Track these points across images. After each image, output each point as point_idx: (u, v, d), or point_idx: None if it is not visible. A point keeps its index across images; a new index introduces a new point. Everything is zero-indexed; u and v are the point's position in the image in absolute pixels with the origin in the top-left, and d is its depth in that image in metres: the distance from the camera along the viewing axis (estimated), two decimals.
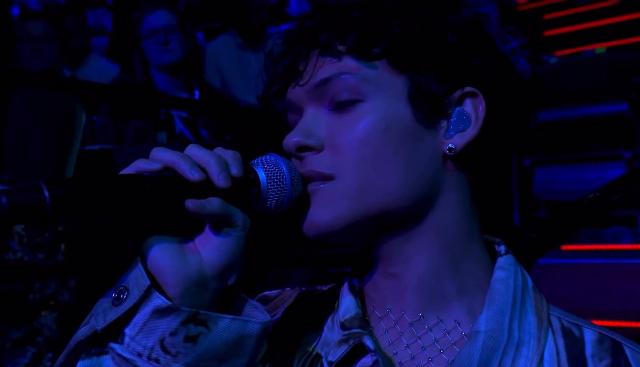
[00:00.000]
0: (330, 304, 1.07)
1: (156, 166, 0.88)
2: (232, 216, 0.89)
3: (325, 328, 1.04)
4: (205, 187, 0.89)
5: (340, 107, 0.98)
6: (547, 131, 5.66)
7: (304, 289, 1.13)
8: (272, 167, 0.96)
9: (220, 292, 0.92)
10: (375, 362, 0.95)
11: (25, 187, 0.77)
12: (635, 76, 5.43)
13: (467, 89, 0.99)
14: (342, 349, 0.98)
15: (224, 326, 0.87)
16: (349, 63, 0.97)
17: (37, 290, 2.45)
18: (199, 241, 0.90)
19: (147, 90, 3.66)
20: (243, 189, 0.93)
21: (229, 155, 0.91)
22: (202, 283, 0.88)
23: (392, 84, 0.97)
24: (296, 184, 0.97)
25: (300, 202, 0.98)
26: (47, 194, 0.77)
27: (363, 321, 1.01)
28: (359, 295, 1.05)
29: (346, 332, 0.99)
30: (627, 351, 0.95)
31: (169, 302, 0.85)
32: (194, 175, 0.87)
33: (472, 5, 1.04)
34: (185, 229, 0.91)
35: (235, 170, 0.90)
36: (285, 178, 0.96)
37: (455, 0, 1.02)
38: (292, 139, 0.99)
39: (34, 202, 0.77)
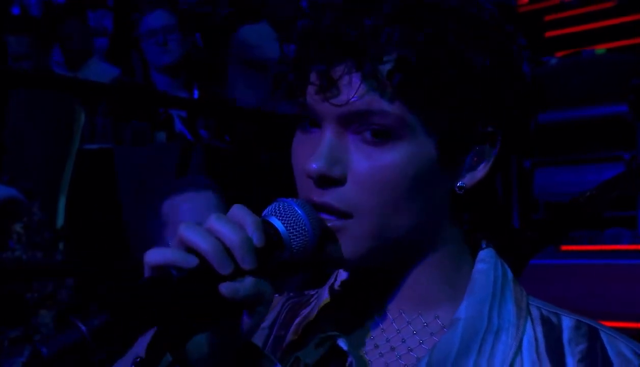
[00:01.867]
0: (310, 310, 1.07)
1: (176, 256, 0.86)
2: (262, 292, 0.88)
3: (304, 332, 1.05)
4: (236, 273, 0.87)
5: (371, 140, 0.94)
6: (547, 133, 5.65)
7: (291, 294, 1.14)
8: (289, 216, 0.93)
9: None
10: (351, 363, 0.96)
11: (60, 330, 0.77)
12: (635, 78, 5.43)
13: (489, 129, 0.97)
14: (319, 352, 0.99)
15: None
16: (393, 101, 0.92)
17: (36, 289, 2.45)
18: (228, 327, 0.90)
19: (146, 90, 3.68)
20: (268, 254, 0.90)
21: (251, 222, 0.89)
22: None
23: (426, 128, 0.94)
24: (316, 226, 0.94)
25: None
26: (84, 328, 0.77)
27: (340, 323, 1.02)
28: (339, 298, 1.05)
29: (322, 335, 1.00)
30: (603, 336, 0.96)
31: None
32: (226, 270, 0.85)
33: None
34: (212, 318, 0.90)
35: (259, 241, 0.88)
36: (305, 224, 0.93)
37: (504, 46, 0.98)
38: (313, 166, 0.94)
39: (74, 343, 0.77)
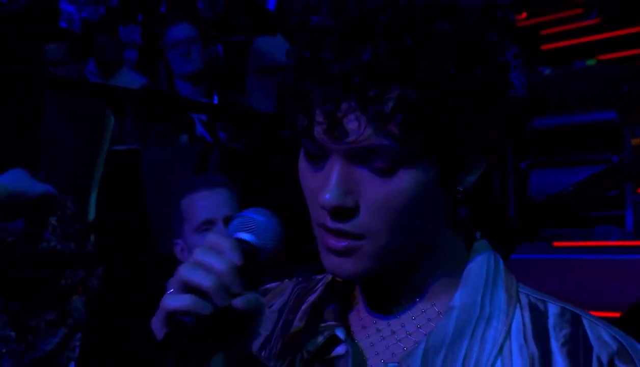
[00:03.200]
0: (316, 296, 1.07)
1: (205, 308, 0.87)
2: (256, 306, 0.90)
3: (309, 319, 1.05)
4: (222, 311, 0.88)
5: (380, 170, 0.91)
6: (542, 137, 5.65)
7: (300, 279, 1.13)
8: (252, 225, 0.94)
9: None
10: (347, 351, 0.97)
11: None
12: (623, 86, 5.42)
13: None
14: (319, 340, 0.99)
15: None
16: (398, 138, 0.88)
17: (68, 276, 2.40)
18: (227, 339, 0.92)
19: (170, 96, 3.67)
20: (248, 264, 0.91)
21: (227, 248, 0.89)
22: None
23: (429, 155, 0.91)
24: (276, 223, 0.95)
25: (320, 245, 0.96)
26: None
27: (340, 313, 1.02)
28: (340, 290, 1.05)
29: (323, 324, 1.00)
30: (585, 322, 0.96)
31: None
32: (225, 303, 0.87)
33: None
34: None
35: (235, 287, 0.88)
36: (268, 224, 0.94)
37: (498, 69, 0.94)
38: (328, 198, 0.91)
39: None
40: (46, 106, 2.86)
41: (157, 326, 0.89)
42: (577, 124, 5.56)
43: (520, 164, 5.57)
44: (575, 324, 0.96)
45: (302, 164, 0.97)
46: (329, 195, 0.90)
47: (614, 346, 0.93)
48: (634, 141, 5.23)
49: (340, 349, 0.98)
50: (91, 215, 2.99)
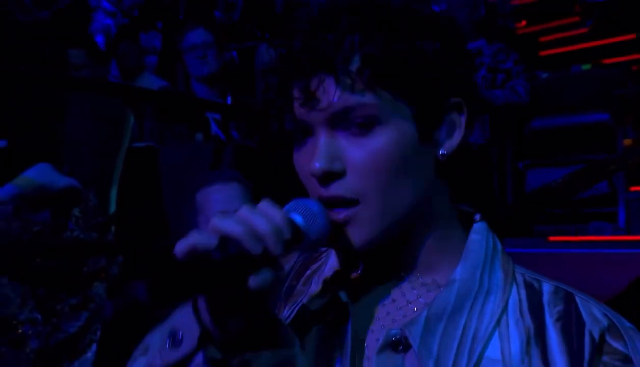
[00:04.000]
0: (320, 264, 1.08)
1: (211, 239, 0.83)
2: (278, 279, 0.87)
3: (313, 284, 1.05)
4: (264, 259, 0.85)
5: (358, 131, 0.94)
6: (539, 137, 5.64)
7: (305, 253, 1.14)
8: (306, 212, 0.92)
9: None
10: (348, 311, 0.98)
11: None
12: (616, 90, 5.41)
13: (453, 100, 0.98)
14: (322, 300, 1.00)
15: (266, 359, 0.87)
16: (366, 93, 0.93)
17: (91, 264, 2.40)
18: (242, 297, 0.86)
19: (187, 97, 3.68)
20: (291, 244, 0.89)
21: (279, 219, 0.87)
22: (242, 332, 0.87)
23: (399, 107, 0.94)
24: (327, 219, 0.94)
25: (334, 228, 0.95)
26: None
27: (342, 279, 1.02)
28: (342, 258, 1.05)
29: (326, 287, 1.01)
30: (578, 300, 0.97)
31: (220, 356, 0.86)
32: (257, 249, 0.83)
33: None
34: (230, 284, 0.86)
35: (287, 236, 0.86)
36: (319, 218, 0.93)
37: (447, 31, 0.99)
38: (316, 165, 0.94)
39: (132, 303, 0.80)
40: (70, 106, 2.88)
41: (181, 249, 0.83)
42: (573, 126, 5.52)
43: (518, 163, 5.58)
44: (568, 301, 0.97)
45: (295, 155, 1.00)
46: (317, 162, 0.93)
47: (604, 322, 0.94)
48: (626, 142, 5.22)
49: (341, 311, 0.99)
50: (112, 208, 2.98)
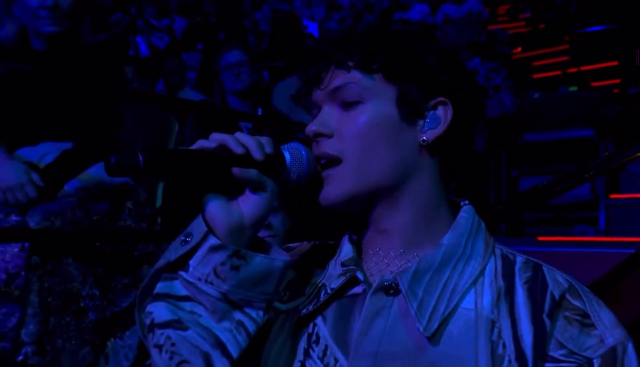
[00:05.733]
0: (334, 250, 1.10)
1: (213, 144, 0.94)
2: (264, 182, 0.95)
3: (330, 267, 1.08)
4: (247, 160, 0.93)
5: (347, 106, 1.02)
6: (530, 149, 5.67)
7: (317, 242, 1.17)
8: (294, 151, 0.99)
9: (255, 239, 0.98)
10: (364, 290, 1.00)
11: (128, 153, 0.86)
12: (600, 109, 5.44)
13: (439, 98, 1.02)
14: (341, 280, 1.02)
15: (258, 260, 0.94)
16: (354, 75, 1.01)
17: (140, 249, 2.44)
18: (241, 200, 0.95)
19: (223, 108, 3.71)
20: (273, 164, 0.96)
21: (265, 139, 0.97)
22: (241, 229, 0.94)
23: (384, 91, 1.01)
24: (311, 163, 1.00)
25: (318, 183, 1.01)
26: (140, 157, 0.85)
27: (357, 260, 1.05)
28: (356, 244, 1.08)
29: (344, 268, 1.03)
30: (544, 269, 1.00)
31: (220, 242, 0.92)
32: (239, 150, 0.93)
33: (449, 38, 1.14)
34: (231, 191, 0.95)
35: (268, 149, 0.96)
36: (304, 158, 0.99)
37: (435, 33, 1.07)
38: (311, 128, 1.03)
39: (132, 163, 0.86)
40: (126, 114, 2.91)
41: (193, 147, 0.93)
42: (561, 140, 5.54)
43: (512, 172, 5.62)
44: (536, 269, 1.00)
45: None
46: (313, 126, 1.03)
47: (565, 284, 0.97)
48: (607, 154, 5.25)
49: (358, 289, 1.01)
50: (159, 202, 2.99)
